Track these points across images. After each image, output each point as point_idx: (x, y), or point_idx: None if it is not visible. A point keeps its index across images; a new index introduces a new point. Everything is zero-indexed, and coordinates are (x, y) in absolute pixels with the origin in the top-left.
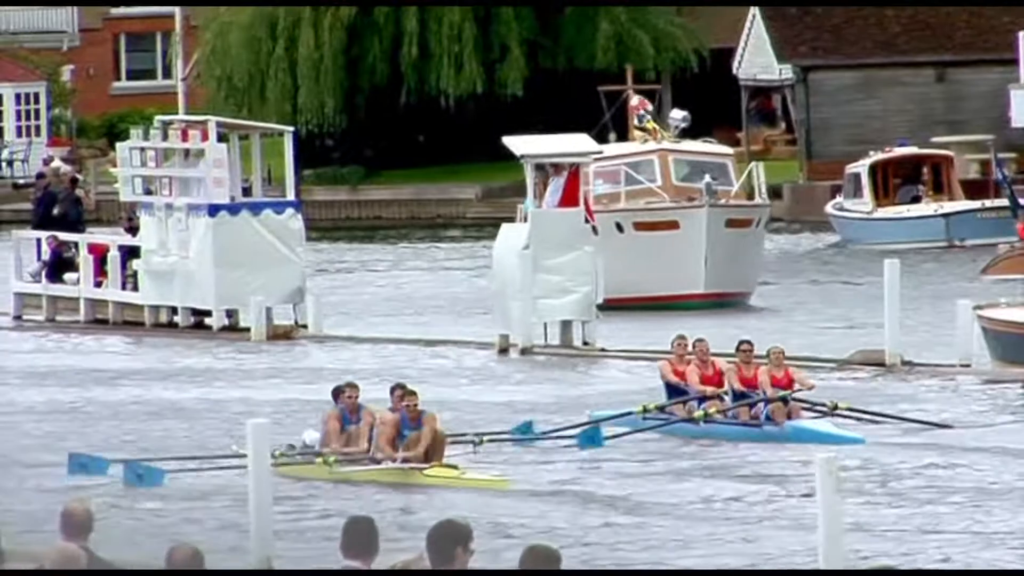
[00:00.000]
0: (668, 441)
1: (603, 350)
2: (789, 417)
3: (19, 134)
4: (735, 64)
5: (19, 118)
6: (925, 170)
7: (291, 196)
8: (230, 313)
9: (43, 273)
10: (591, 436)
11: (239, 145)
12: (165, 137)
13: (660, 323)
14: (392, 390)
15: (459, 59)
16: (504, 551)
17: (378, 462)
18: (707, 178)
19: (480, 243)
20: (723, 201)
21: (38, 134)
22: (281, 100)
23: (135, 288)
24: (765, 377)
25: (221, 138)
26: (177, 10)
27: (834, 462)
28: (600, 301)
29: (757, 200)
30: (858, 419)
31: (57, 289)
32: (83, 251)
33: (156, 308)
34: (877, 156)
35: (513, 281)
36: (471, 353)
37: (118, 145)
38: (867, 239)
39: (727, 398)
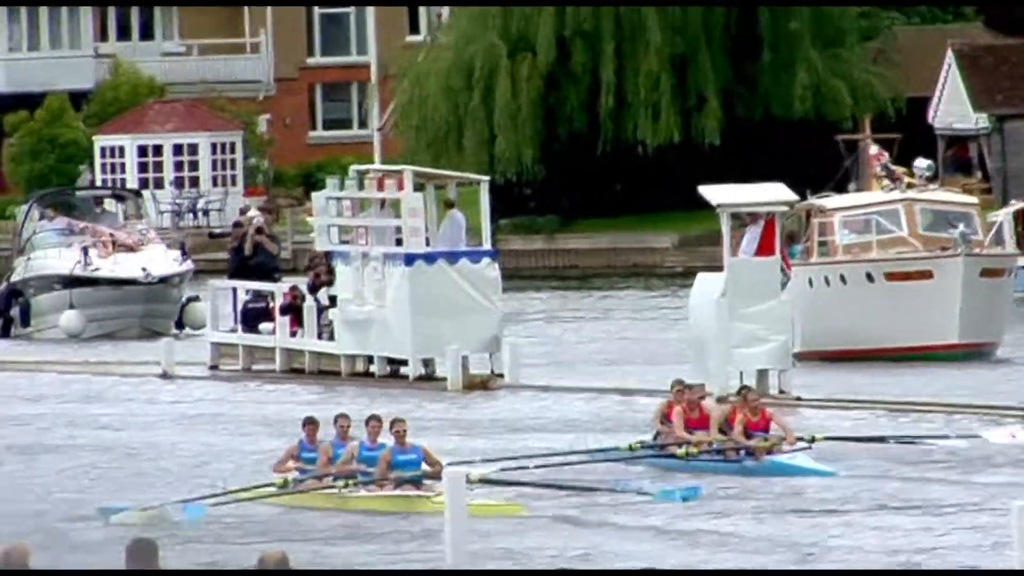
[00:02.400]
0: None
1: (799, 399)
2: (769, 452)
3: (215, 183)
4: (931, 113)
5: (215, 167)
6: None
7: (487, 245)
8: (426, 362)
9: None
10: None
11: (435, 194)
12: (361, 187)
13: (875, 374)
14: (367, 420)
15: (656, 108)
16: None
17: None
18: (961, 227)
19: (676, 292)
20: (977, 251)
21: (234, 183)
22: (478, 149)
23: (331, 337)
24: (739, 425)
25: (417, 187)
26: (373, 59)
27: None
28: (796, 350)
29: (1009, 249)
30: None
31: (253, 339)
32: (278, 300)
33: (352, 357)
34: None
35: (709, 330)
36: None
37: (314, 195)
38: None
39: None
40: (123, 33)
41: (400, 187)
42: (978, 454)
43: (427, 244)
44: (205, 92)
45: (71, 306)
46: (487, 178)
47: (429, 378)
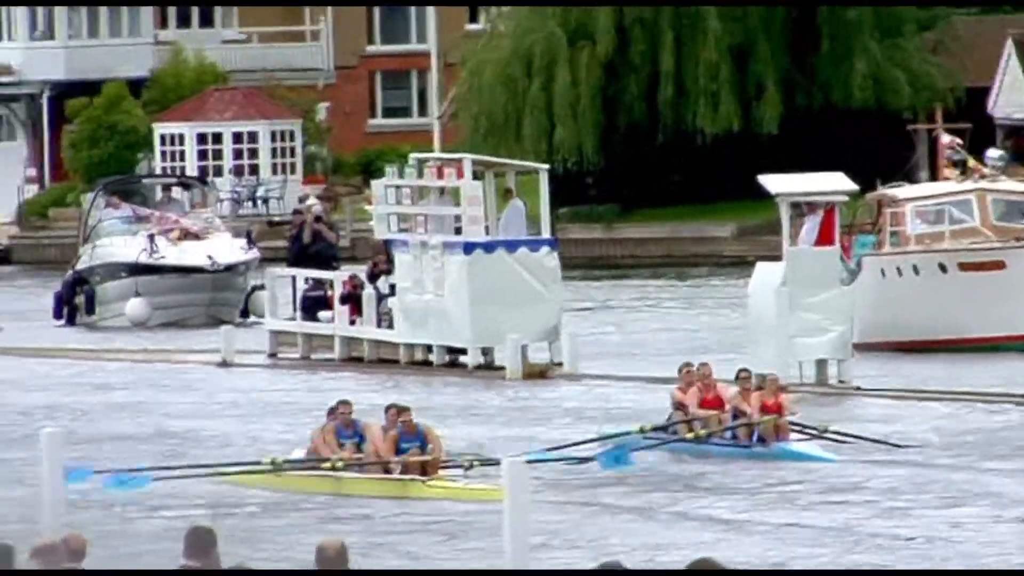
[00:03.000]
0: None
1: (858, 388)
2: (779, 439)
3: (274, 171)
4: (990, 103)
5: (274, 155)
6: None
7: (546, 234)
8: (485, 351)
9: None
10: (618, 456)
11: (494, 183)
12: (420, 175)
13: (944, 364)
14: (386, 409)
15: (715, 97)
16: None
17: (387, 467)
18: None
19: (735, 281)
20: None
21: (293, 172)
22: (537, 138)
23: (390, 326)
24: (756, 402)
25: (476, 176)
26: (432, 47)
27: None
28: (868, 340)
29: None
30: (844, 441)
31: (312, 327)
32: (337, 289)
33: (411, 346)
34: None
35: (768, 319)
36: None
37: (373, 183)
38: None
39: (727, 419)
40: (183, 20)
41: (459, 175)
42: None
43: (486, 232)
44: (265, 80)
45: (137, 294)
46: (547, 167)
47: (488, 367)
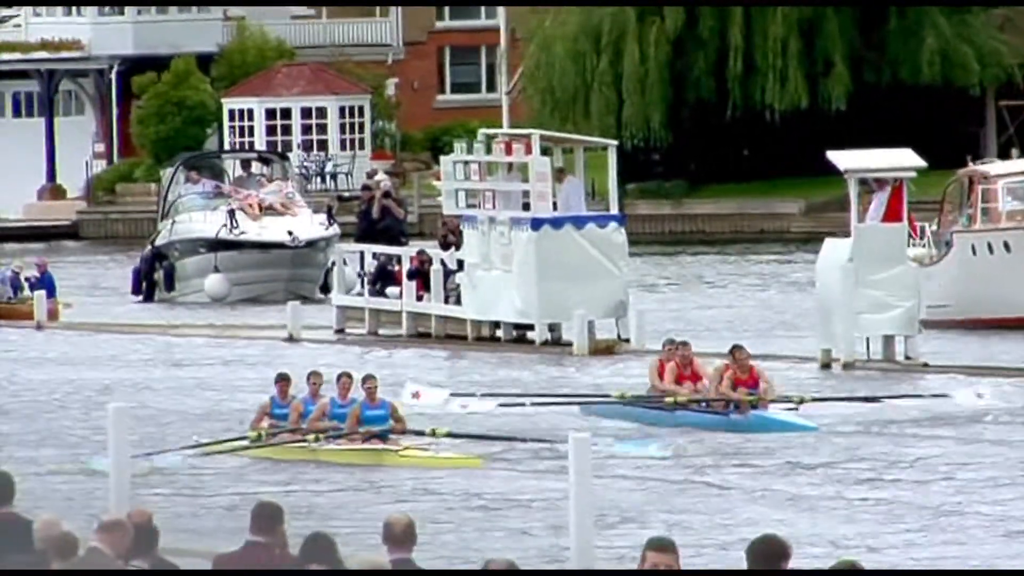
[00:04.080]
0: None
1: (925, 365)
2: (754, 407)
3: (343, 147)
4: None
5: (343, 131)
6: None
7: (614, 210)
8: (552, 327)
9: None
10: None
11: (562, 159)
12: (489, 150)
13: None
14: (338, 377)
15: (784, 73)
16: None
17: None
18: None
19: (803, 258)
20: None
21: (362, 147)
22: (605, 114)
23: (458, 302)
24: (728, 382)
25: (544, 151)
26: (502, 23)
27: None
28: (922, 317)
29: None
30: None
31: (379, 302)
32: (405, 264)
33: (478, 322)
34: None
35: (836, 296)
36: (793, 367)
37: (442, 159)
38: None
39: (703, 391)
40: None
41: (528, 151)
42: (945, 411)
43: (554, 208)
44: (333, 56)
45: (216, 270)
46: (615, 142)
47: (555, 343)
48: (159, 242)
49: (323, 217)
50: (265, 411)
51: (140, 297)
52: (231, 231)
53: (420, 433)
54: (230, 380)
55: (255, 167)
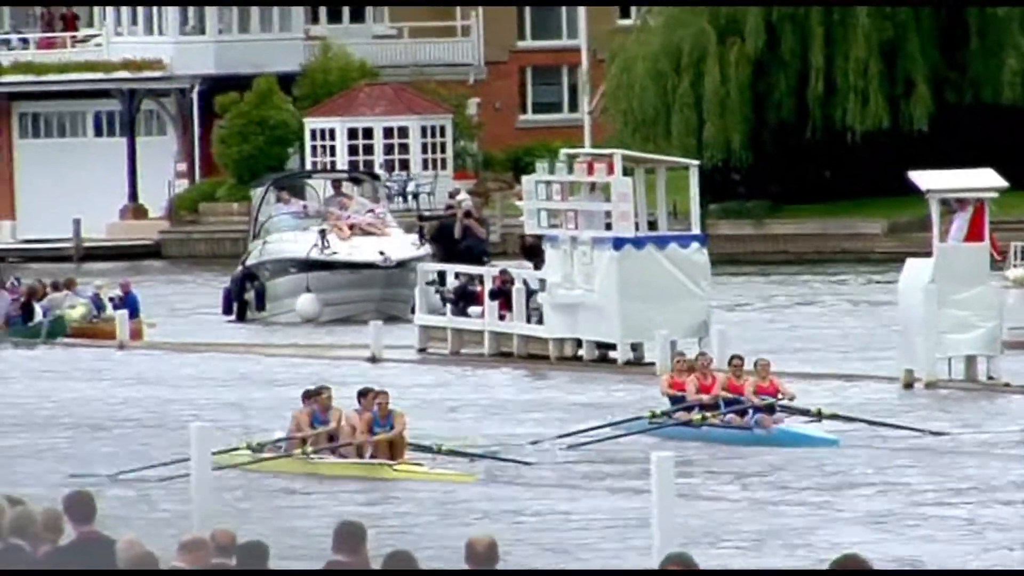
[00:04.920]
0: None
1: (1007, 385)
2: (776, 422)
3: (424, 167)
4: None
5: (424, 151)
6: None
7: (696, 230)
8: (635, 347)
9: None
10: None
11: (644, 179)
12: (571, 170)
13: None
14: (361, 394)
15: (865, 94)
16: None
17: (359, 451)
18: None
19: (886, 278)
20: None
21: (443, 167)
22: (686, 134)
23: (540, 321)
24: (751, 386)
25: (626, 171)
26: (583, 43)
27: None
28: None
29: None
30: (843, 420)
31: (462, 322)
32: (487, 284)
33: (560, 341)
34: None
35: (918, 315)
36: (874, 387)
37: (524, 178)
38: None
39: (721, 405)
40: (334, 16)
41: (610, 171)
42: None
43: (636, 228)
44: (415, 75)
45: (307, 290)
46: (697, 162)
47: (637, 363)
48: (250, 262)
49: (415, 237)
50: (306, 417)
51: (231, 317)
52: (323, 251)
53: (427, 448)
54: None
55: (346, 187)
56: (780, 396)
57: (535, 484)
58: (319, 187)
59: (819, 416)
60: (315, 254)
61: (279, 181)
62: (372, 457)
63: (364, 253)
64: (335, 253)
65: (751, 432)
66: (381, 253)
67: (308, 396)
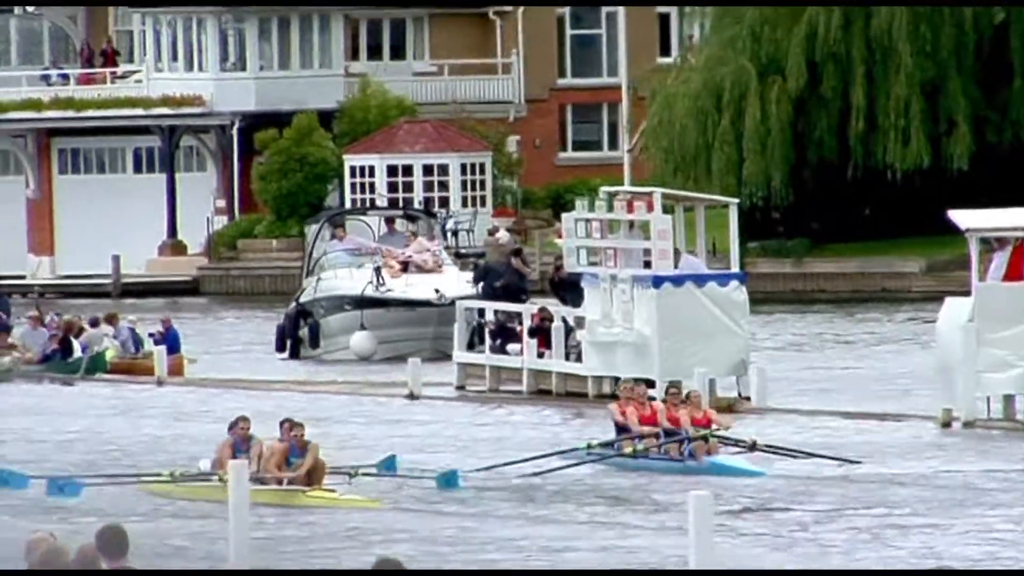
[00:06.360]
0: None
1: None
2: (708, 453)
3: (464, 204)
4: None
5: (464, 188)
6: None
7: (735, 268)
8: (673, 384)
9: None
10: (448, 478)
11: (683, 216)
12: (610, 208)
13: None
14: (281, 423)
15: (906, 133)
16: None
17: (264, 482)
18: None
19: (924, 317)
20: None
21: (483, 204)
22: (726, 172)
23: (579, 359)
24: (686, 418)
25: (666, 209)
26: (623, 81)
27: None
28: None
29: None
30: (775, 453)
31: (500, 359)
32: (526, 321)
33: (599, 379)
34: None
35: (956, 355)
36: (913, 426)
37: (563, 216)
38: None
39: (661, 435)
40: (373, 52)
41: (649, 209)
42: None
43: (675, 266)
44: (455, 112)
45: (362, 327)
46: (736, 200)
47: None
48: (304, 299)
49: (469, 275)
50: (228, 447)
51: (285, 354)
52: (377, 288)
53: (344, 472)
54: (345, 436)
55: (400, 224)
56: (715, 427)
57: (446, 512)
58: (374, 224)
59: (753, 447)
60: (370, 291)
61: (333, 218)
62: (290, 482)
63: (419, 291)
64: (390, 290)
65: (683, 464)
66: (436, 291)
67: (232, 427)
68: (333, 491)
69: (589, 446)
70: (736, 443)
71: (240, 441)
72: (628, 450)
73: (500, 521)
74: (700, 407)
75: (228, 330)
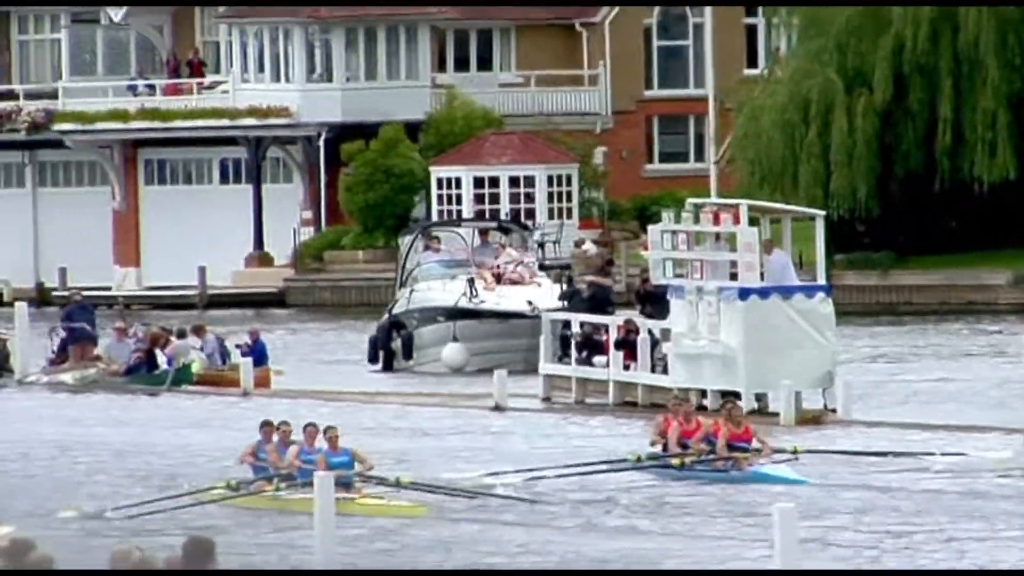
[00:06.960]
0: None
1: None
2: (750, 464)
3: (550, 216)
4: None
5: (551, 200)
6: None
7: (822, 280)
8: (759, 396)
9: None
10: None
11: (770, 229)
12: (697, 220)
13: None
14: (304, 428)
15: (993, 145)
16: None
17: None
18: None
19: (1012, 329)
20: None
21: (569, 216)
22: (812, 184)
23: (664, 371)
24: (724, 436)
25: (752, 221)
26: (710, 92)
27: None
28: None
29: None
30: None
31: (586, 371)
32: (612, 333)
33: (685, 391)
34: None
35: None
36: (997, 439)
37: (649, 228)
38: None
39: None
40: (460, 63)
41: (736, 221)
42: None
43: (761, 279)
44: (542, 124)
45: (455, 339)
46: (823, 213)
47: (762, 412)
48: (397, 310)
49: (559, 288)
50: (252, 451)
51: (378, 366)
52: (470, 300)
53: (384, 481)
54: (430, 449)
55: (493, 236)
56: (755, 442)
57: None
58: (467, 236)
59: (795, 454)
60: (463, 303)
61: (428, 229)
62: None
63: (512, 303)
64: (483, 302)
65: (726, 473)
66: (529, 303)
67: (265, 427)
68: (381, 498)
69: (638, 459)
70: (780, 451)
71: (281, 445)
72: (676, 462)
73: (565, 531)
74: (740, 424)
75: (313, 342)
